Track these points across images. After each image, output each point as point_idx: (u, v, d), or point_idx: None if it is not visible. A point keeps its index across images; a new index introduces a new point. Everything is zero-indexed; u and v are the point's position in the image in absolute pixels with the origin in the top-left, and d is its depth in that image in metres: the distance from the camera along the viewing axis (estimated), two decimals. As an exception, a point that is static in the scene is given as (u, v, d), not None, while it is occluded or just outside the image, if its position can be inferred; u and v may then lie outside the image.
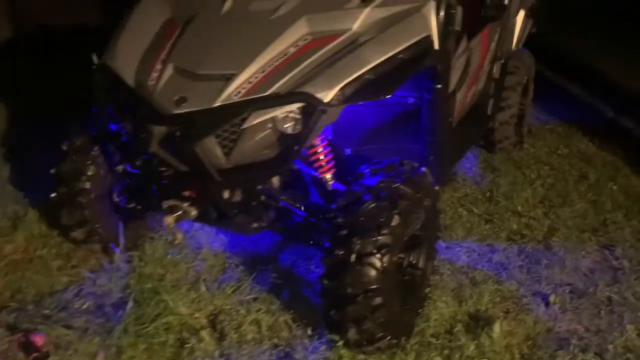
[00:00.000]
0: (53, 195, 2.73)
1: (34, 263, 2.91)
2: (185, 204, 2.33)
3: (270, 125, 2.15)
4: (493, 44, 3.21)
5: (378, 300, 2.10)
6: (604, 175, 3.86)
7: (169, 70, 2.34)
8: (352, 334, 2.17)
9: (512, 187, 3.69)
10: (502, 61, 3.57)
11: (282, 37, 2.31)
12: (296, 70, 2.19)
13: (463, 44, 2.69)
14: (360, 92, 2.14)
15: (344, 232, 2.13)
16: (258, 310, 2.61)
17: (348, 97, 2.12)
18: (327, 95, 2.09)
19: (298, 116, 2.13)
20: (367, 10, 2.35)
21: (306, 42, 2.31)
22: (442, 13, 2.35)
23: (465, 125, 3.06)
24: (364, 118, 2.69)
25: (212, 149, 2.17)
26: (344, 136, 2.73)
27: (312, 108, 2.10)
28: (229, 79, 2.20)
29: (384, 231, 2.09)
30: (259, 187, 2.36)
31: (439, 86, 2.45)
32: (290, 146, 2.15)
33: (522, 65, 3.97)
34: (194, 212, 2.34)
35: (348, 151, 2.74)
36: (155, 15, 2.66)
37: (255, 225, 2.46)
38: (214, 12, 2.54)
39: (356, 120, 2.70)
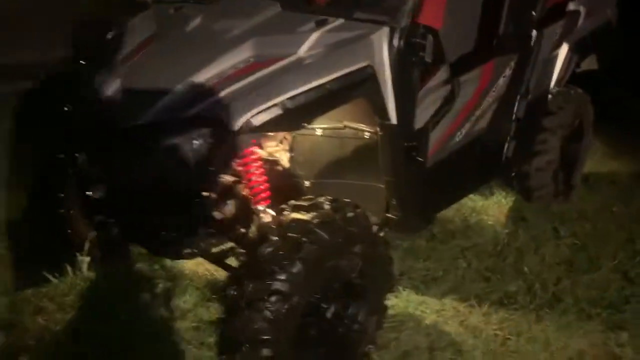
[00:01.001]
0: (29, 195, 2.84)
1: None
2: (112, 221, 2.29)
3: (186, 147, 2.05)
4: (503, 80, 2.84)
5: (266, 352, 1.89)
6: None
7: (117, 85, 2.33)
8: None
9: (531, 242, 3.24)
10: (530, 100, 3.17)
11: (225, 58, 2.20)
12: (224, 93, 2.07)
13: (440, 76, 2.39)
14: (275, 121, 1.97)
15: (242, 271, 1.96)
16: (189, 342, 2.49)
17: (260, 126, 1.96)
18: (236, 122, 1.95)
19: (211, 140, 2.01)
20: (315, 35, 2.17)
21: (247, 64, 2.18)
22: (396, 41, 2.11)
23: (456, 167, 2.72)
24: (325, 149, 2.49)
25: (131, 165, 2.12)
26: (305, 167, 2.55)
27: (221, 134, 1.97)
28: (158, 95, 2.14)
29: (280, 277, 1.88)
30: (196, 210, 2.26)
31: (389, 122, 2.20)
32: (202, 170, 2.03)
33: (567, 105, 3.50)
34: (116, 230, 2.30)
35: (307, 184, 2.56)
36: (138, 32, 2.68)
37: (187, 251, 2.35)
38: (181, 30, 2.51)
39: (317, 150, 2.51)
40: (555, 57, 3.30)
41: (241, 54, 2.20)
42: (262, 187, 2.27)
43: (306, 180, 2.55)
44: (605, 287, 2.85)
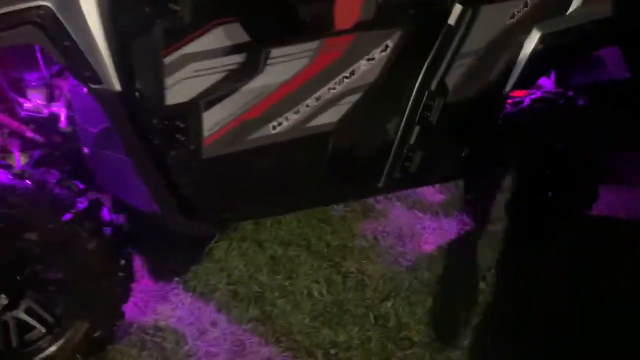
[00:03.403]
0: None
1: None
2: None
3: None
4: (370, 64, 2.07)
5: None
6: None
7: None
8: None
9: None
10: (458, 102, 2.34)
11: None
12: None
13: (217, 40, 1.77)
14: None
15: None
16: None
17: None
18: None
19: None
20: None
21: None
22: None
23: (278, 167, 2.08)
24: (100, 112, 2.04)
25: None
26: (85, 130, 2.14)
27: None
28: None
29: None
30: None
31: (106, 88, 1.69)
32: None
33: (534, 119, 2.56)
34: None
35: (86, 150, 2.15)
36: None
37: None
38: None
39: (95, 112, 2.07)
40: (514, 49, 2.39)
41: None
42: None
43: (85, 146, 2.16)
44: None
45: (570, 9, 2.40)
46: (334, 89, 2.04)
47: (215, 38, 1.78)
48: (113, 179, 2.11)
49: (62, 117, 2.14)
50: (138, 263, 2.51)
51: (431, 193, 3.29)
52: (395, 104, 2.22)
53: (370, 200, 3.14)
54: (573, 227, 2.86)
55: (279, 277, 2.47)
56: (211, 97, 1.85)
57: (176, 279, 2.44)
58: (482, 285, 2.47)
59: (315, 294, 2.39)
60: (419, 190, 3.26)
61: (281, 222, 2.88)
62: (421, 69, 2.20)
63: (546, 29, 2.37)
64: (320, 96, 2.03)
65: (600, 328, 2.33)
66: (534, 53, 2.38)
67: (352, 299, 2.37)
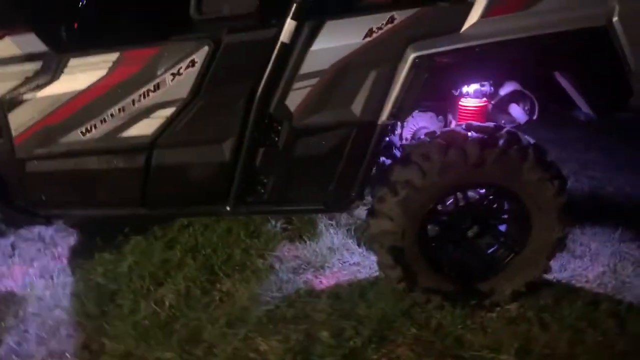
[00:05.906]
0: None
1: None
2: None
3: None
4: (176, 79, 1.93)
5: None
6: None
7: None
8: None
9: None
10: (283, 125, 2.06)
11: None
12: None
13: (5, 50, 1.87)
14: None
15: None
16: None
17: None
18: None
19: None
20: None
21: None
22: None
23: (94, 173, 2.09)
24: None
25: None
26: None
27: None
28: None
29: None
30: None
31: None
32: None
33: (439, 155, 2.12)
34: None
35: None
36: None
37: None
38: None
39: None
40: (384, 72, 2.01)
41: None
42: None
43: None
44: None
45: (465, 26, 1.97)
46: (139, 101, 2.02)
47: (5, 47, 1.93)
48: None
49: None
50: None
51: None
52: (227, 124, 2.09)
53: (318, 220, 2.96)
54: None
55: (146, 281, 2.51)
56: (11, 100, 2.00)
57: (73, 261, 2.66)
58: (324, 336, 2.17)
59: (165, 304, 2.38)
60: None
61: (208, 227, 2.91)
62: (253, 88, 2.04)
63: (422, 49, 1.98)
64: (124, 107, 2.03)
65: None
66: (407, 78, 2.01)
67: (188, 319, 2.30)
